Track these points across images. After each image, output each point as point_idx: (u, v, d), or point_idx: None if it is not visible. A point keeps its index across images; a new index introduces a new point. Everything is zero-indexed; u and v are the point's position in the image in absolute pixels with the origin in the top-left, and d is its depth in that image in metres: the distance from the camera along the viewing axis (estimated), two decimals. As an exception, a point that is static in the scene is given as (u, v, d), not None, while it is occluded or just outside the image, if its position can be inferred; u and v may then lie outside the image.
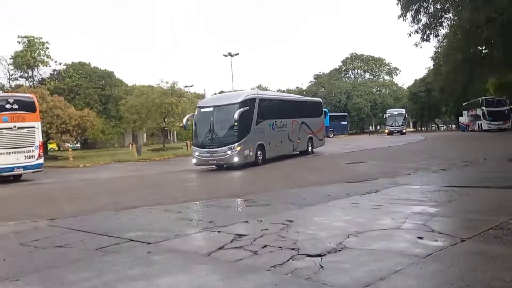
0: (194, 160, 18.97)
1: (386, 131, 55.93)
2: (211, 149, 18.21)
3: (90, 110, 38.34)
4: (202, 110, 19.32)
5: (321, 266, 4.95)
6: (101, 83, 58.60)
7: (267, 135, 20.36)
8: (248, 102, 18.96)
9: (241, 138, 18.21)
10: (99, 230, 7.66)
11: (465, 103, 50.32)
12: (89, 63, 60.33)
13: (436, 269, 4.66)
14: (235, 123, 17.89)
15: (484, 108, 43.09)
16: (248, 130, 18.85)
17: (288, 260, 5.23)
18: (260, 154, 19.61)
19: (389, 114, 56.40)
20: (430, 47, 53.07)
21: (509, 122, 43.16)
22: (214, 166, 19.20)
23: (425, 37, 33.82)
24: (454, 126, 73.65)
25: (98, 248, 6.45)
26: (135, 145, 36.51)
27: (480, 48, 38.63)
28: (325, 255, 5.37)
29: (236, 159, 18.03)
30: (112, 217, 9.18)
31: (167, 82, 42.10)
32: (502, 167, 13.71)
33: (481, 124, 44.04)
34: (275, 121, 21.32)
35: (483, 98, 44.30)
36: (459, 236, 5.81)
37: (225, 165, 18.82)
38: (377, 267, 4.80)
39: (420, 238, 5.84)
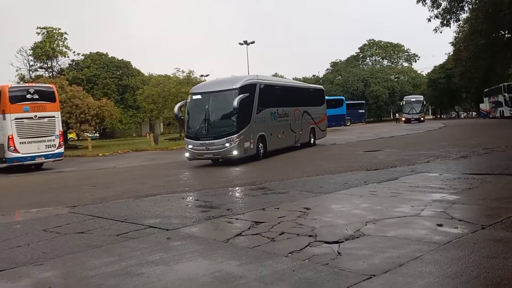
0: (186, 154, 16.74)
1: (403, 119, 53.23)
2: (207, 141, 15.91)
3: (108, 100, 38.79)
4: (196, 97, 16.82)
5: (339, 253, 4.95)
6: (118, 73, 59.28)
7: (269, 125, 18.14)
8: (248, 88, 16.56)
9: (241, 129, 15.94)
10: (119, 217, 7.80)
11: (486, 89, 49.30)
12: (107, 53, 61.04)
13: (456, 256, 4.61)
14: (234, 112, 15.61)
15: (506, 94, 42.14)
16: (248, 120, 16.55)
17: (306, 246, 5.25)
18: (261, 146, 17.43)
19: (406, 101, 53.70)
20: (450, 32, 51.80)
21: (532, 109, 42.18)
22: (210, 160, 17.11)
23: (445, 22, 33.00)
24: (474, 113, 72.28)
25: (118, 234, 6.58)
26: (152, 135, 36.86)
27: (503, 33, 37.64)
28: (342, 242, 5.37)
29: (235, 152, 15.77)
30: (131, 204, 9.32)
31: (183, 72, 42.29)
32: (524, 154, 13.42)
33: (502, 110, 43.13)
34: (277, 110, 19.00)
35: (505, 84, 43.28)
36: (480, 224, 5.74)
37: (221, 160, 16.76)
38: (395, 254, 4.78)
39: (440, 225, 5.79)
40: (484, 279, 3.96)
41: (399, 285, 3.93)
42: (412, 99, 53.62)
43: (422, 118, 51.34)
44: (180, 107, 18.36)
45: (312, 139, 22.84)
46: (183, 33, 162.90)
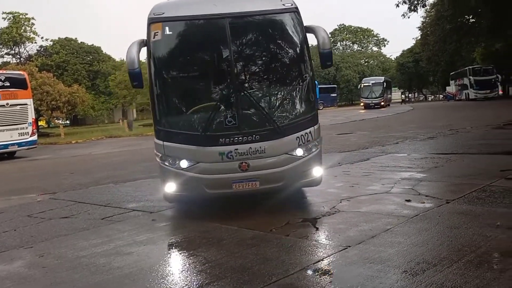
0: (170, 188, 6.04)
1: (362, 104, 46.92)
2: (241, 146, 5.71)
3: (79, 86, 38.20)
4: (182, 29, 6.16)
5: (317, 228, 5.34)
6: (88, 58, 58.08)
7: None
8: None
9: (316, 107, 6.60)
10: (101, 202, 7.98)
11: (452, 72, 50.78)
12: (76, 38, 59.65)
13: (422, 227, 5.06)
14: (305, 68, 6.26)
15: (471, 77, 43.57)
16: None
17: (286, 224, 5.59)
18: None
19: (364, 84, 47.17)
20: (418, 17, 53.06)
21: (495, 91, 43.84)
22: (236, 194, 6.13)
23: (412, 7, 34.07)
24: (441, 96, 74.32)
25: (103, 218, 6.78)
26: (127, 121, 36.57)
27: (468, 18, 38.87)
28: (320, 218, 5.77)
29: (317, 171, 6.23)
30: (112, 189, 9.45)
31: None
32: (487, 134, 14.13)
33: (468, 93, 44.59)
34: None
35: (470, 67, 44.76)
36: (445, 198, 6.22)
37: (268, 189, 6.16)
38: (368, 227, 5.20)
39: (408, 200, 6.25)
40: (447, 246, 4.41)
41: (371, 254, 4.32)
42: (371, 82, 47.60)
43: (383, 103, 45.16)
44: (138, 52, 6.01)
45: None
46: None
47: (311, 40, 6.32)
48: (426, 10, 43.03)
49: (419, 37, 56.12)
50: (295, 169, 5.95)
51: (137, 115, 62.60)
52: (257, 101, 5.96)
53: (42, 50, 55.58)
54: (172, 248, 5.15)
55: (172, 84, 6.27)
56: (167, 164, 5.97)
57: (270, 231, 5.29)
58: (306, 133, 6.00)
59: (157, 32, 5.93)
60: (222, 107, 5.88)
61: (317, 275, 3.96)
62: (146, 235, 5.63)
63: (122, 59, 60.37)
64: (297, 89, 6.22)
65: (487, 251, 4.17)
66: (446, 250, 4.30)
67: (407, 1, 33.51)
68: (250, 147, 5.71)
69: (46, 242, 5.72)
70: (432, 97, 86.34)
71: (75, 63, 55.50)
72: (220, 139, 5.70)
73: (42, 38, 52.50)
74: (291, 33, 6.22)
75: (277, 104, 6.23)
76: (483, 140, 12.57)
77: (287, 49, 6.37)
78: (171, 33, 5.99)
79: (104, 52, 61.28)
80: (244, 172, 5.74)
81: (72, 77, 52.97)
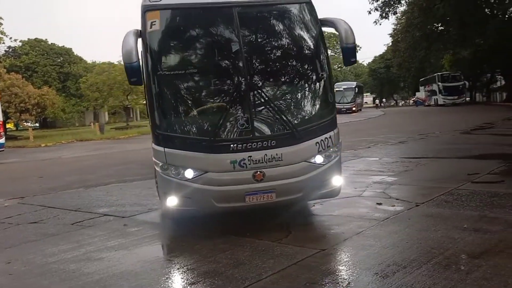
0: (171, 201, 5.15)
1: None
2: (256, 153, 5.04)
3: (50, 88, 37.33)
4: (186, 15, 5.52)
5: (290, 232, 5.37)
6: (59, 60, 56.81)
7: None
8: None
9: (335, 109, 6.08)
10: (71, 207, 7.80)
11: (422, 78, 52.06)
12: (46, 39, 58.27)
13: (393, 230, 5.16)
14: (322, 65, 5.66)
15: (440, 83, 44.82)
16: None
17: (259, 228, 5.58)
18: None
19: (336, 89, 45.30)
20: (389, 24, 54.30)
21: (463, 96, 45.24)
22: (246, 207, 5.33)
23: (384, 15, 34.80)
24: (411, 101, 76.10)
25: (73, 223, 6.64)
26: (98, 124, 35.96)
27: (437, 25, 39.96)
28: (293, 221, 5.78)
29: (337, 180, 5.65)
30: (82, 194, 9.27)
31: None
32: (455, 139, 14.57)
33: (437, 99, 45.82)
34: None
35: (439, 74, 46.06)
36: (414, 202, 6.36)
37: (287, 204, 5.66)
38: (340, 230, 5.27)
39: (379, 204, 6.38)
40: (417, 248, 4.51)
41: (344, 256, 4.41)
42: (342, 87, 46.71)
43: (354, 108, 45.49)
44: (136, 43, 5.12)
45: None
46: (127, 18, 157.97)
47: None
48: (397, 17, 44.08)
49: (390, 44, 57.38)
50: (315, 179, 5.31)
51: (109, 118, 61.66)
52: (273, 101, 5.22)
53: (10, 50, 54.03)
54: (144, 253, 5.08)
55: (174, 81, 5.34)
56: (169, 174, 5.16)
57: (243, 235, 5.29)
58: (326, 138, 5.41)
59: (154, 21, 5.21)
60: (233, 108, 5.18)
61: (290, 279, 3.97)
62: (117, 240, 5.54)
63: (93, 61, 59.54)
64: (315, 88, 5.67)
65: (455, 253, 4.29)
66: (415, 252, 4.39)
67: (379, 9, 34.21)
68: (266, 154, 5.03)
69: (14, 248, 5.57)
70: (403, 102, 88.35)
71: (45, 64, 54.20)
72: (232, 145, 5.01)
73: (10, 38, 50.69)
74: (305, 26, 5.64)
75: (294, 105, 5.60)
76: (451, 145, 12.94)
77: (302, 43, 5.69)
78: (171, 22, 5.36)
79: (75, 53, 60.13)
80: (259, 183, 5.06)
81: (42, 79, 51.69)
